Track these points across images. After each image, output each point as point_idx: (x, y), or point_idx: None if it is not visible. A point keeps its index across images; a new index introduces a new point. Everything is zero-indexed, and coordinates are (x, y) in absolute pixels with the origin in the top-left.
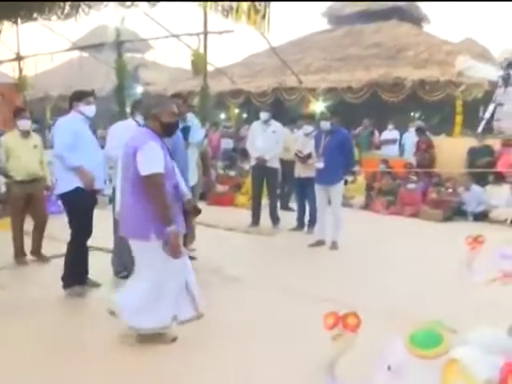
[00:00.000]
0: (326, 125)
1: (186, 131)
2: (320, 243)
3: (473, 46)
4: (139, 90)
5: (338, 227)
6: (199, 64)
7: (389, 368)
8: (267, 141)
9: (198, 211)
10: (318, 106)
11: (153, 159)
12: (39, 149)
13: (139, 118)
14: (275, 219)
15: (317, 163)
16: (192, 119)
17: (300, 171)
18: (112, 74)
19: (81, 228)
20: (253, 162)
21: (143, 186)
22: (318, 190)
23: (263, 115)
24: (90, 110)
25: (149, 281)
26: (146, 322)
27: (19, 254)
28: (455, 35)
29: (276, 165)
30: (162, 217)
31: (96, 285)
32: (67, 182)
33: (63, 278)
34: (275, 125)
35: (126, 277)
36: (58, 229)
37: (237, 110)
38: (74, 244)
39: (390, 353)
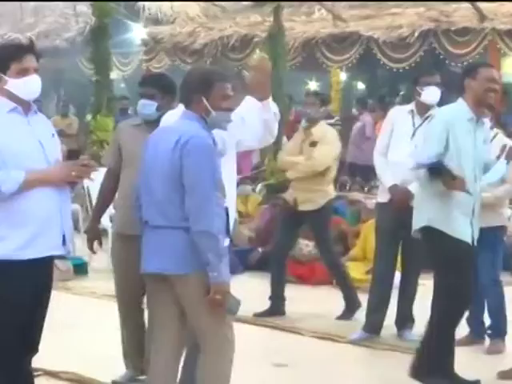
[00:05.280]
0: None
1: None
2: None
3: None
4: (139, 33)
5: None
6: None
7: None
8: None
9: None
10: None
11: None
12: None
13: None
14: (406, 320)
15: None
16: None
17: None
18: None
19: (10, 338)
20: (383, 197)
21: None
22: None
23: (429, 93)
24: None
25: None
26: None
27: None
28: None
29: None
30: None
31: None
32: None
33: None
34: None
35: None
36: None
37: (344, 77)
38: None
39: None
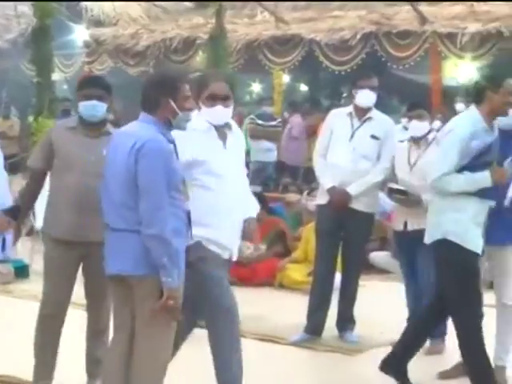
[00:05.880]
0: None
1: None
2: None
3: None
4: (81, 35)
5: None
6: None
7: None
8: (358, 154)
9: None
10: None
11: None
12: None
13: None
14: (347, 321)
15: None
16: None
17: (408, 219)
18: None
19: None
20: (322, 199)
21: None
22: None
23: (362, 96)
24: None
25: None
26: None
27: None
28: None
29: (371, 208)
30: None
31: None
32: None
33: None
34: (379, 120)
35: None
36: None
37: (287, 80)
38: None
39: None
